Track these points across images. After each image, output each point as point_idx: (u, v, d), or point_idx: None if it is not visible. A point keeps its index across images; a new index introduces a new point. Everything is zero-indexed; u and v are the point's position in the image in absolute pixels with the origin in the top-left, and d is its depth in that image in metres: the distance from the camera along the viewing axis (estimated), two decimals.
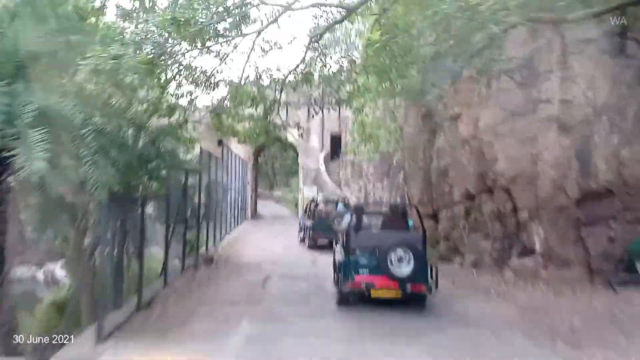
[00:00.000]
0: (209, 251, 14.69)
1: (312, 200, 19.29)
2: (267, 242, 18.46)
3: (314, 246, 17.13)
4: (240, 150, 31.46)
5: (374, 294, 8.13)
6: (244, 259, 14.22)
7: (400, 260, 7.95)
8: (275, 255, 14.92)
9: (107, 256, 7.77)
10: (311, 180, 32.06)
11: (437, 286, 8.42)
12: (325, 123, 32.51)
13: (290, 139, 32.05)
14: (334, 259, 10.07)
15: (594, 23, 8.77)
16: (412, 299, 8.32)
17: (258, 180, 52.26)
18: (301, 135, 22.64)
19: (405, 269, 7.94)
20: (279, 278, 11.56)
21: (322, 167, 30.02)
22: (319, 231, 17.27)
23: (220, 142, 26.07)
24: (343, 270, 8.43)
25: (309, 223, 18.11)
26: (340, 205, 18.72)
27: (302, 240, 18.74)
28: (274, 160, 61.48)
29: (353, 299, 8.47)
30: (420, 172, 14.49)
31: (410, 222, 10.01)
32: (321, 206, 18.89)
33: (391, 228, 9.12)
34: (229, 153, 25.51)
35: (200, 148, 13.70)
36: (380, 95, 13.19)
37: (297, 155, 34.00)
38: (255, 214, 35.88)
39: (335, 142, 31.95)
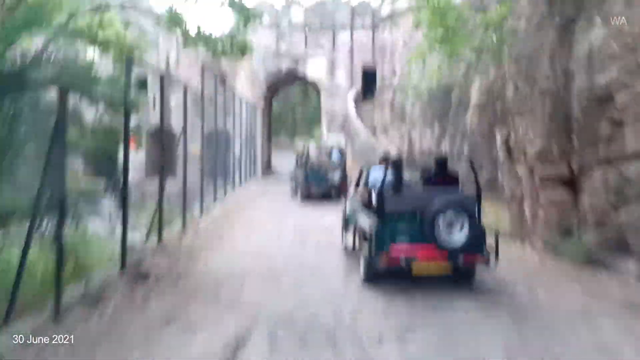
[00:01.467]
0: (160, 245, 8.60)
1: (304, 148, 17.53)
2: (272, 217, 12.31)
3: (308, 198, 15.91)
4: (246, 90, 25.10)
5: (417, 270, 6.32)
6: (219, 262, 7.86)
7: (450, 225, 6.25)
8: (280, 252, 8.61)
9: None
10: (338, 126, 25.59)
11: (497, 257, 6.40)
12: (356, 53, 25.69)
13: (310, 74, 25.48)
14: (344, 218, 8.83)
15: None
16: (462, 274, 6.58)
17: (274, 129, 46.22)
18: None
19: (457, 235, 6.23)
20: (268, 340, 4.77)
21: (352, 110, 23.53)
22: (310, 182, 16.14)
23: (219, 78, 19.99)
24: (375, 240, 6.38)
25: (300, 174, 16.78)
26: (335, 153, 17.48)
27: (295, 193, 17.12)
28: (294, 106, 55.11)
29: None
30: (543, 100, 8.00)
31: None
32: (314, 155, 17.21)
33: (436, 185, 7.06)
34: (224, 90, 19.17)
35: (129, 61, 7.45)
36: None
37: (320, 96, 27.44)
38: (267, 170, 29.78)
39: (369, 78, 25.24)
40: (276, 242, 9.48)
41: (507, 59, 8.75)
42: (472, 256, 6.39)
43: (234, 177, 20.32)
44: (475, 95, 15.32)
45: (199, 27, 9.69)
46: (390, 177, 6.93)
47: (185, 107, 13.62)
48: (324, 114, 26.10)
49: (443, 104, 21.22)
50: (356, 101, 24.67)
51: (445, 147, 16.40)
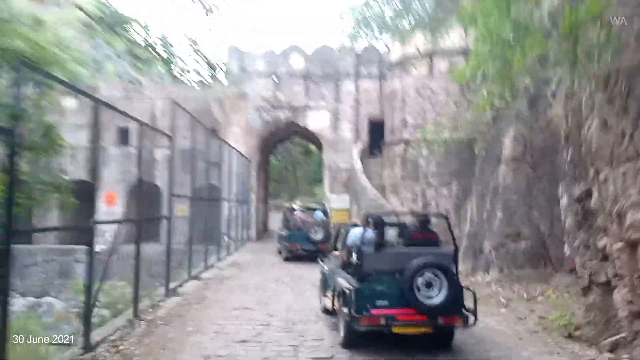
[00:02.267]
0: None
1: (289, 208, 17.83)
2: (261, 312, 9.02)
3: (291, 259, 16.15)
4: (240, 143, 22.73)
5: (397, 330, 6.23)
6: None
7: (429, 285, 6.22)
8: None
9: None
10: (341, 185, 22.96)
11: (476, 317, 6.33)
12: (361, 103, 23.43)
13: (311, 126, 23.17)
14: (322, 279, 8.61)
15: None
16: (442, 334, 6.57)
17: (273, 189, 43.66)
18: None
19: (436, 296, 6.20)
20: None
21: (358, 165, 20.99)
22: (294, 242, 16.34)
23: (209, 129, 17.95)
24: (355, 301, 6.26)
25: (284, 233, 17.19)
26: (318, 213, 17.59)
27: (279, 252, 17.54)
28: (295, 164, 52.95)
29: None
30: None
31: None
32: (298, 214, 17.34)
33: (416, 244, 6.88)
34: (215, 143, 16.80)
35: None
36: None
37: (321, 151, 24.99)
38: (264, 233, 26.97)
39: (376, 131, 22.88)
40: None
41: (590, 81, 6.16)
42: (450, 317, 6.32)
43: (221, 243, 17.56)
44: (509, 146, 12.78)
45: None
46: (371, 236, 6.96)
47: (172, 162, 11.28)
48: (326, 172, 23.58)
49: (462, 159, 18.71)
50: (362, 157, 22.19)
51: (471, 208, 13.66)
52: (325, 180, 23.54)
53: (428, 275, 6.27)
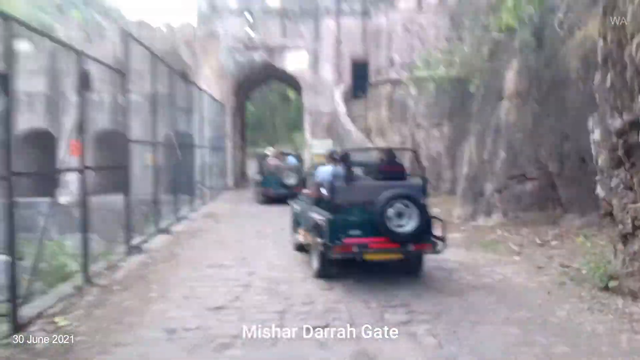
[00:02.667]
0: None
1: (262, 154, 18.26)
2: (240, 271, 7.74)
3: (264, 202, 16.58)
4: (213, 87, 21.08)
5: (369, 257, 6.65)
6: None
7: (399, 215, 6.48)
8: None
9: None
10: (323, 129, 21.59)
11: (445, 243, 6.70)
12: (343, 43, 21.78)
13: (289, 68, 21.56)
14: (293, 219, 8.97)
15: None
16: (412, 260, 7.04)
17: (251, 137, 42.11)
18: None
19: (406, 225, 6.49)
20: None
21: (341, 108, 19.57)
22: (268, 187, 16.83)
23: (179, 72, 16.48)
24: (328, 232, 6.53)
25: (258, 178, 17.72)
26: (290, 159, 17.86)
27: (256, 198, 17.74)
28: (273, 110, 51.18)
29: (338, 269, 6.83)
30: None
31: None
32: (271, 160, 17.67)
33: (386, 177, 7.18)
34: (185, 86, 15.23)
35: None
36: None
37: (301, 95, 23.44)
38: (241, 181, 25.65)
39: (359, 72, 21.38)
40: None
41: None
42: (421, 244, 6.62)
43: (195, 193, 16.23)
44: (512, 80, 11.51)
45: None
46: (340, 171, 7.16)
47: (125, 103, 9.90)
48: (306, 116, 22.12)
49: (454, 98, 17.41)
50: (345, 99, 20.75)
51: (470, 149, 12.46)
52: (306, 125, 22.12)
53: (398, 205, 6.52)
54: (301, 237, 8.08)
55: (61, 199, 21.75)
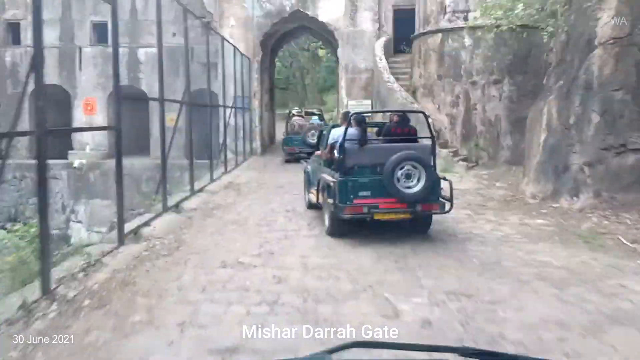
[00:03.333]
0: None
1: (289, 114, 18.93)
2: (264, 274, 5.61)
3: (290, 161, 16.70)
4: (238, 39, 19.00)
5: (379, 216, 6.89)
6: None
7: (408, 177, 6.78)
8: None
9: None
10: (361, 88, 19.35)
11: (452, 204, 6.89)
12: None
13: (323, 17, 19.24)
14: (306, 178, 9.41)
15: None
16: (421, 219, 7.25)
17: (280, 99, 40.05)
18: None
19: (414, 186, 6.77)
20: None
21: (382, 63, 17.25)
22: (292, 145, 17.32)
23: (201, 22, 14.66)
24: (339, 193, 6.78)
25: (284, 137, 18.41)
26: (314, 118, 18.46)
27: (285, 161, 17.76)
28: (303, 69, 48.87)
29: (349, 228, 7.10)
30: None
31: None
32: (296, 119, 18.68)
33: (396, 140, 7.47)
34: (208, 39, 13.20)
35: None
36: None
37: (336, 49, 21.11)
38: (270, 145, 23.73)
39: (403, 22, 18.90)
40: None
41: None
42: (428, 205, 6.88)
43: (216, 158, 14.41)
44: (608, 23, 9.11)
45: None
46: (353, 133, 7.25)
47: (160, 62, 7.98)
48: (342, 73, 19.82)
49: (517, 51, 14.97)
50: (386, 54, 18.37)
51: (549, 111, 10.15)
52: (342, 84, 19.86)
53: (407, 167, 6.74)
54: (313, 196, 8.50)
55: (76, 161, 20.28)
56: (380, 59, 17.49)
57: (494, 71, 15.12)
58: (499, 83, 15.08)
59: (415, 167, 6.75)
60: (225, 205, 9.43)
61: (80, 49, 20.40)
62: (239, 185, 11.84)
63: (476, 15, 14.03)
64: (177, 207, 8.77)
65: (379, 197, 6.78)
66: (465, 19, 15.29)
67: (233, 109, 16.98)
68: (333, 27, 19.40)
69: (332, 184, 6.96)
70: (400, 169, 6.71)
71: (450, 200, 6.87)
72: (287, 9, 19.22)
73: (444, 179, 7.06)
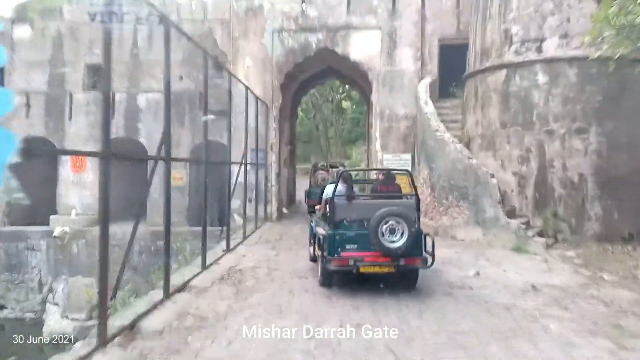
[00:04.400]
0: None
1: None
2: None
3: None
4: (254, 81, 16.20)
5: (364, 269, 7.24)
6: None
7: (392, 232, 7.18)
8: None
9: None
10: (399, 139, 16.17)
11: (433, 259, 7.33)
12: (429, 19, 16.30)
13: (355, 56, 16.33)
14: (310, 231, 9.68)
15: None
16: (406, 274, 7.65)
17: (299, 149, 37.23)
18: None
19: (398, 241, 7.17)
20: None
21: (428, 109, 14.07)
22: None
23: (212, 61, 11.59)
24: (328, 245, 7.34)
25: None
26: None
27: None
28: (325, 123, 46.21)
29: (337, 279, 7.76)
30: None
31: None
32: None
33: (383, 197, 8.19)
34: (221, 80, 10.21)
35: None
36: None
37: (367, 96, 18.06)
38: (290, 206, 20.55)
39: (452, 57, 15.76)
40: None
41: None
42: (411, 259, 7.24)
43: (221, 231, 11.24)
44: None
45: None
46: (341, 189, 7.93)
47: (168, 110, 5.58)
48: (377, 120, 16.67)
49: (608, 90, 11.71)
50: (432, 95, 15.22)
51: None
52: (376, 134, 16.68)
53: (391, 222, 7.11)
54: (311, 249, 9.15)
55: (56, 229, 17.22)
56: (426, 103, 14.34)
57: (578, 117, 11.81)
58: (584, 132, 11.74)
59: (398, 222, 7.11)
60: (212, 321, 6.04)
61: (71, 95, 17.71)
62: (241, 274, 8.51)
63: (584, 40, 10.53)
64: (132, 328, 5.45)
65: (365, 250, 7.20)
66: (539, 50, 12.11)
67: (244, 166, 13.95)
68: (367, 66, 16.43)
69: (322, 236, 7.54)
70: (385, 223, 7.09)
71: (432, 254, 7.24)
72: (313, 45, 16.31)
73: (428, 234, 7.47)
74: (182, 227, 16.19)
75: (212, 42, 16.90)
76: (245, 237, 12.46)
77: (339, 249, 7.21)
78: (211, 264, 9.04)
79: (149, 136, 17.16)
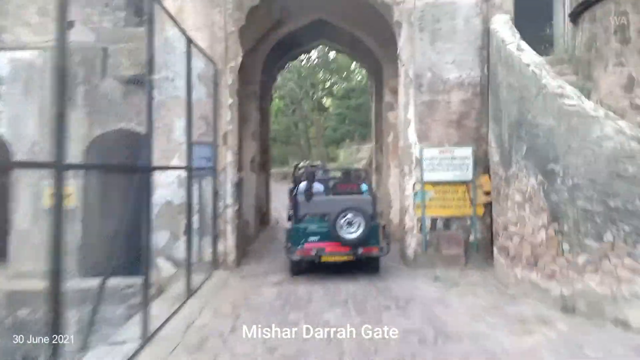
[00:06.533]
0: None
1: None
2: None
3: None
4: (194, 29, 9.07)
5: (325, 258, 8.40)
6: None
7: (350, 224, 8.25)
8: None
9: None
10: (450, 121, 9.41)
11: (389, 248, 8.66)
12: None
13: None
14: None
15: None
16: (365, 261, 8.70)
17: (275, 150, 30.51)
18: None
19: (354, 232, 8.24)
20: None
21: (526, 56, 7.40)
22: None
23: None
24: (293, 238, 8.50)
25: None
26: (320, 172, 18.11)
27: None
28: (305, 121, 39.92)
29: (303, 266, 8.75)
30: None
31: (364, 187, 9.92)
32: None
33: (342, 193, 9.42)
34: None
35: None
36: None
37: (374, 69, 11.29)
38: (261, 230, 13.76)
39: None
40: None
41: None
42: (369, 248, 8.35)
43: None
44: None
45: None
46: (304, 187, 9.09)
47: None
48: (409, 91, 9.75)
49: None
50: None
51: None
52: (408, 114, 9.78)
53: (349, 215, 8.18)
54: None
55: None
56: (520, 49, 7.62)
57: None
58: None
59: (355, 216, 8.16)
60: None
61: None
62: None
63: None
64: None
65: (326, 241, 8.28)
66: None
67: (187, 171, 7.37)
68: (389, 4, 9.63)
69: (287, 230, 8.87)
70: (343, 217, 8.16)
71: (388, 243, 8.58)
72: None
73: (385, 226, 8.97)
74: (71, 279, 9.27)
75: None
76: (182, 303, 5.80)
77: (303, 241, 8.32)
78: None
79: (16, 125, 10.08)
